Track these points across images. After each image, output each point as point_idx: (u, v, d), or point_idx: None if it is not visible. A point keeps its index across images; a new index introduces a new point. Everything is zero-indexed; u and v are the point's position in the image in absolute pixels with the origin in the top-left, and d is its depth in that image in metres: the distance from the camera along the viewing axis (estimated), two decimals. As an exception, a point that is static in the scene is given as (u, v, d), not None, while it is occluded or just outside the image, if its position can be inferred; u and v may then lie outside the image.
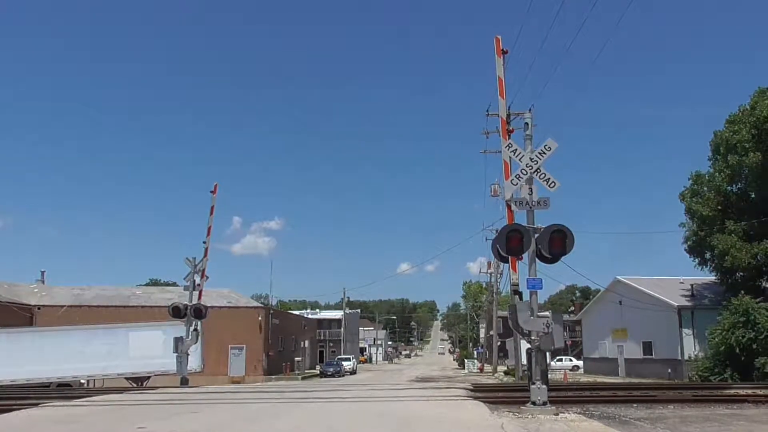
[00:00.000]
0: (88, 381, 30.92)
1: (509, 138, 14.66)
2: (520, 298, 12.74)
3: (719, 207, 36.29)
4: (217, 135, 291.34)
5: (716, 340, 30.99)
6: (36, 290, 56.38)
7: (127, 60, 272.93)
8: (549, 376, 12.64)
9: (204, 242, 27.49)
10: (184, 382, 25.73)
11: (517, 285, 13.74)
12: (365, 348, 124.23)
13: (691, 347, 38.38)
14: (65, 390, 24.94)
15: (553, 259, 12.31)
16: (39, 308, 51.21)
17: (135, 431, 9.53)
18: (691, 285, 42.42)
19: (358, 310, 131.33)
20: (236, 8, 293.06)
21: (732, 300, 31.42)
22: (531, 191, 12.46)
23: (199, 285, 27.19)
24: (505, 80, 13.80)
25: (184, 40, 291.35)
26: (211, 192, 27.60)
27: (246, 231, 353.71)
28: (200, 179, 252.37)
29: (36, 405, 14.33)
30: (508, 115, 28.39)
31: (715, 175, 37.27)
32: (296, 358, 65.88)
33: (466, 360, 78.07)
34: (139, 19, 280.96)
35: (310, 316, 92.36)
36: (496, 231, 34.63)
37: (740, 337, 29.40)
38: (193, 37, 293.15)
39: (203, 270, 27.14)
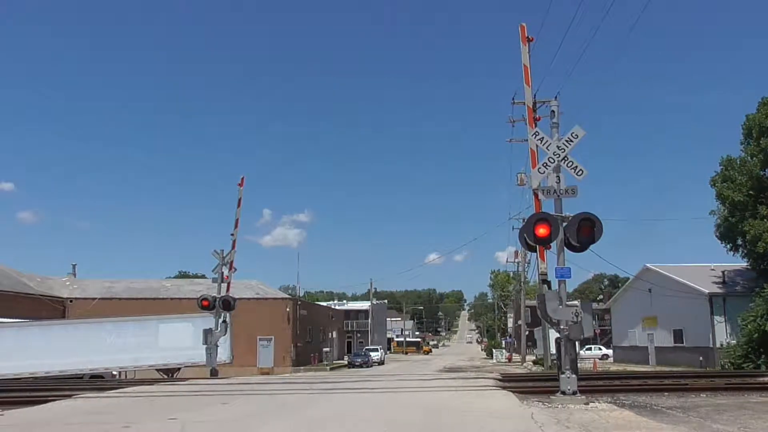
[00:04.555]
0: (120, 372, 31.35)
1: (536, 126, 14.50)
2: (549, 287, 12.60)
3: (751, 192, 35.55)
4: (246, 128, 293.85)
5: (749, 327, 30.40)
6: (68, 283, 57.41)
7: (157, 58, 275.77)
8: (578, 365, 12.51)
9: (232, 234, 27.76)
10: (214, 374, 26.00)
11: (546, 274, 13.57)
12: (392, 338, 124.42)
13: (722, 335, 37.77)
14: (98, 381, 25.32)
15: (581, 247, 12.15)
16: (71, 301, 52.21)
17: (166, 422, 9.64)
18: (723, 272, 41.70)
19: (385, 301, 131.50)
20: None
21: (765, 286, 30.83)
22: (558, 179, 12.32)
23: (227, 277, 27.45)
24: (531, 68, 13.59)
25: (217, 34, 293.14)
26: (239, 185, 27.79)
27: (276, 223, 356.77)
28: (229, 172, 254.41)
29: (70, 396, 14.58)
30: (534, 103, 28.25)
31: (746, 159, 36.53)
32: (324, 349, 66.24)
33: (494, 350, 77.88)
34: (169, 17, 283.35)
35: (337, 307, 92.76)
36: (523, 220, 34.36)
37: (774, 324, 28.85)
38: (227, 29, 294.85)
39: (231, 262, 27.41)
